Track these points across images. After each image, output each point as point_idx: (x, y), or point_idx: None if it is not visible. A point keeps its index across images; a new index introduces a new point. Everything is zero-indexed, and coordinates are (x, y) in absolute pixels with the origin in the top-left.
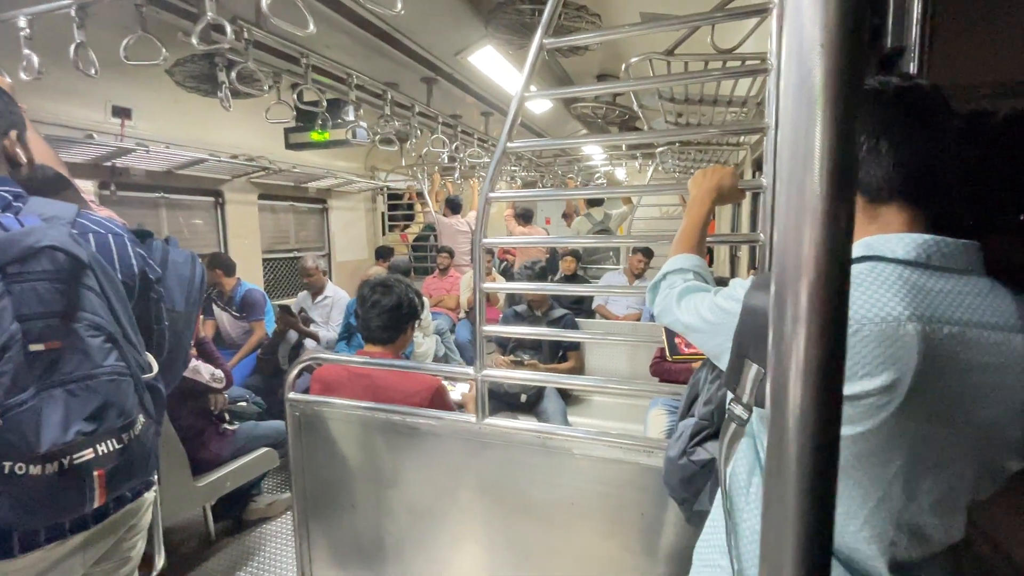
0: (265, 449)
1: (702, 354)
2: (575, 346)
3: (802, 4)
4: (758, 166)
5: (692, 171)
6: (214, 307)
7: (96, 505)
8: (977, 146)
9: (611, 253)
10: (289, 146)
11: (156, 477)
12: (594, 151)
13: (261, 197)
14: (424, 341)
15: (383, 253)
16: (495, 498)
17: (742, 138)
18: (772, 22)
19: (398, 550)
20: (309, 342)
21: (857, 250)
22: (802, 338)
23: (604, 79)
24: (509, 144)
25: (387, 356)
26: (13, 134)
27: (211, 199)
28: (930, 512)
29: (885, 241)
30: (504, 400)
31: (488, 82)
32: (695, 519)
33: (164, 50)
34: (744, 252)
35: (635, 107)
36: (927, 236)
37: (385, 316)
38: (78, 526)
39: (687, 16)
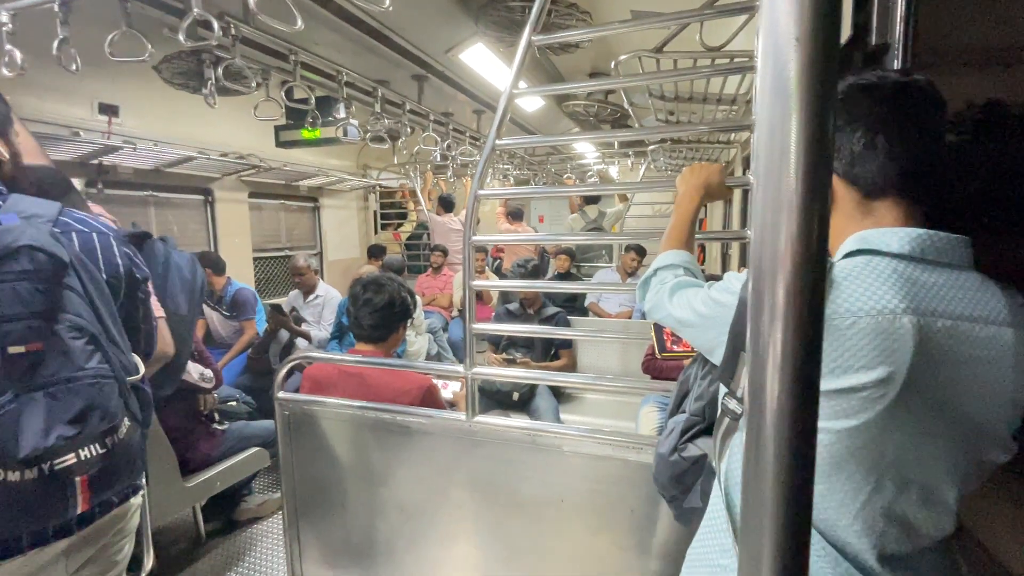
0: (255, 449)
1: (692, 351)
2: (567, 344)
3: None
4: (748, 164)
5: (683, 169)
6: (204, 306)
7: (79, 511)
8: (968, 142)
9: (604, 251)
10: (279, 144)
11: (144, 480)
12: (586, 149)
13: (251, 195)
14: (416, 340)
15: (375, 252)
16: (486, 496)
17: (732, 136)
18: (760, 20)
19: (389, 549)
20: (301, 341)
21: (852, 244)
22: (779, 331)
23: (596, 77)
24: (498, 141)
25: (378, 355)
26: None
27: (201, 197)
28: (921, 505)
29: (880, 235)
30: (496, 398)
31: (479, 80)
32: (684, 516)
33: (150, 46)
34: (735, 250)
35: (626, 105)
36: (921, 230)
37: (377, 315)
38: (62, 531)
39: (676, 13)
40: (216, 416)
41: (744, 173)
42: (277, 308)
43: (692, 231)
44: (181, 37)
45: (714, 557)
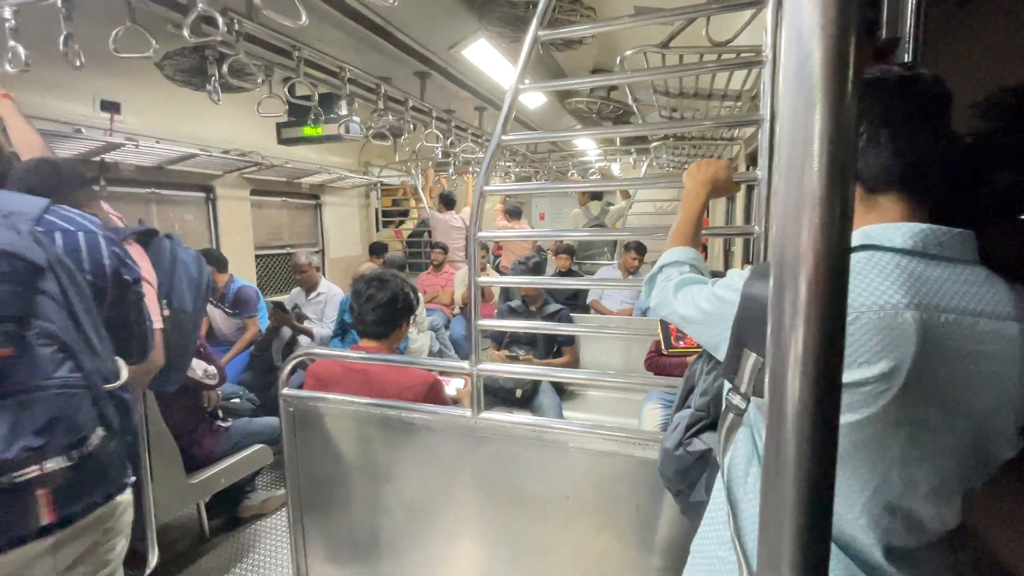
0: (259, 446)
1: (697, 347)
2: (570, 341)
3: None
4: (752, 160)
5: (686, 166)
6: (207, 303)
7: (44, 523)
8: (978, 137)
9: (605, 248)
10: (281, 141)
11: (130, 478)
12: (588, 146)
13: (253, 193)
14: (419, 337)
15: (377, 249)
16: (490, 492)
17: (736, 132)
18: (767, 14)
19: (393, 545)
20: (303, 339)
21: (855, 239)
22: (801, 327)
23: (598, 74)
24: (504, 137)
25: (381, 351)
26: None
27: (202, 195)
28: (926, 499)
29: (883, 230)
30: (499, 395)
31: (482, 76)
32: (690, 511)
33: (154, 42)
34: (738, 246)
35: (629, 101)
36: (924, 225)
37: (379, 311)
38: (43, 530)
39: (682, 8)
40: (220, 413)
41: (748, 169)
42: (279, 306)
43: (699, 228)
44: (185, 33)
45: (713, 549)
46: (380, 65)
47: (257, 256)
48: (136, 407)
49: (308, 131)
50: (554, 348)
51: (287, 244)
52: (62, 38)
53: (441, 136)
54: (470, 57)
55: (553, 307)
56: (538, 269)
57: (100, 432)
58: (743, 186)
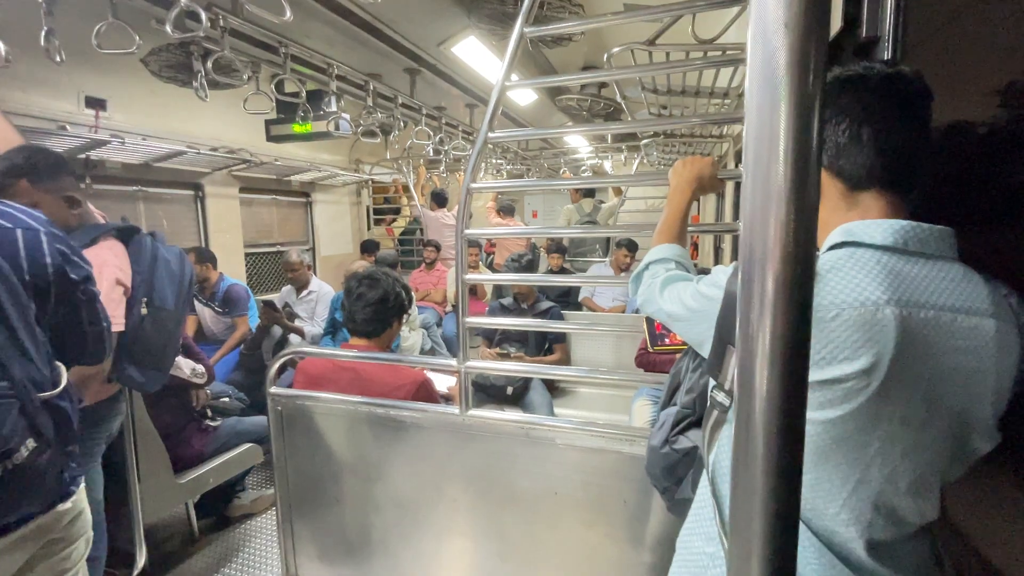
0: (248, 445)
1: (684, 344)
2: (561, 339)
3: None
4: (740, 158)
5: (675, 162)
6: (196, 302)
7: None
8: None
9: (597, 245)
10: (270, 138)
11: (75, 485)
12: (580, 144)
13: (242, 190)
14: (410, 335)
15: (369, 247)
16: (480, 489)
17: (725, 130)
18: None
19: (384, 543)
20: (293, 337)
21: (837, 236)
22: (768, 321)
23: (588, 71)
24: (490, 134)
25: (372, 350)
26: None
27: (191, 192)
28: (906, 494)
29: (865, 227)
30: (490, 393)
31: (472, 73)
32: (677, 508)
33: (137, 38)
34: (728, 243)
35: (619, 99)
36: (904, 222)
37: (370, 309)
38: None
39: (668, 5)
40: (208, 412)
41: (736, 166)
42: (270, 304)
43: (685, 225)
44: (168, 28)
45: (700, 545)
46: (369, 62)
47: (247, 254)
48: (76, 413)
49: (297, 128)
50: (546, 345)
51: (277, 242)
52: (43, 33)
53: (432, 133)
54: (460, 54)
55: (545, 304)
56: (530, 266)
57: (31, 443)
58: (732, 183)
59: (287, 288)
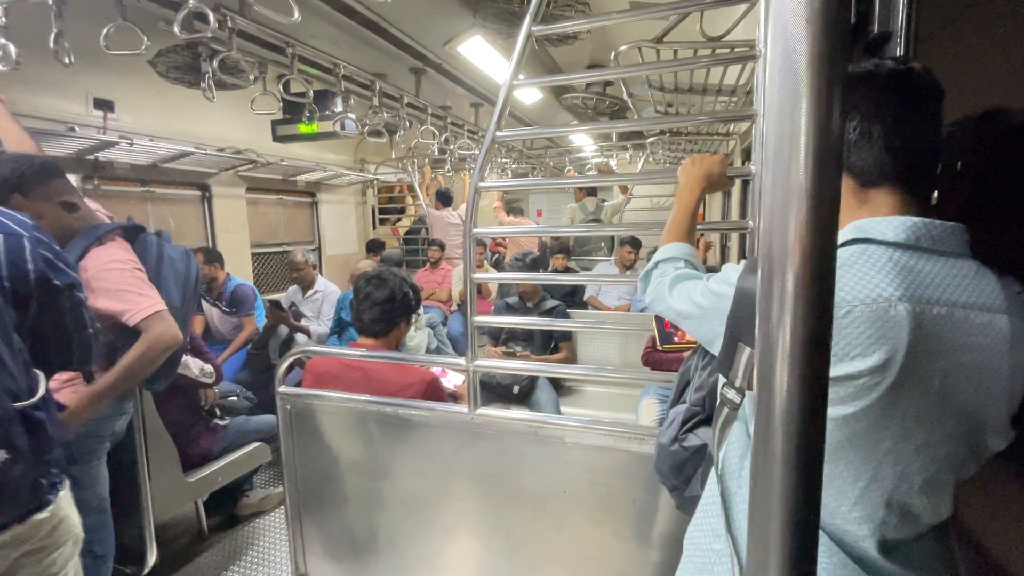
0: (257, 444)
1: (693, 342)
2: (567, 337)
3: None
4: (747, 155)
5: (682, 161)
6: (203, 302)
7: None
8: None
9: (602, 244)
10: (277, 139)
11: (53, 494)
12: (585, 142)
13: (249, 191)
14: (416, 334)
15: (374, 246)
16: (488, 488)
17: (731, 127)
18: (760, 8)
19: (391, 542)
20: (300, 337)
21: (848, 233)
22: (788, 319)
23: (594, 69)
24: (498, 133)
25: (379, 349)
26: None
27: (198, 193)
28: (919, 491)
29: (876, 224)
30: (497, 391)
31: (477, 72)
32: (686, 506)
33: (145, 39)
34: (734, 241)
35: (625, 97)
36: (916, 219)
37: (377, 309)
38: None
39: (676, 2)
40: (217, 411)
41: (744, 164)
42: (276, 304)
43: (693, 223)
44: (176, 30)
45: (707, 542)
46: (375, 62)
47: (253, 254)
48: (53, 422)
49: (303, 128)
50: (551, 344)
51: (283, 242)
52: (52, 36)
53: (437, 133)
54: (465, 53)
55: (550, 303)
56: (536, 265)
57: (2, 455)
58: (738, 181)
59: (293, 288)
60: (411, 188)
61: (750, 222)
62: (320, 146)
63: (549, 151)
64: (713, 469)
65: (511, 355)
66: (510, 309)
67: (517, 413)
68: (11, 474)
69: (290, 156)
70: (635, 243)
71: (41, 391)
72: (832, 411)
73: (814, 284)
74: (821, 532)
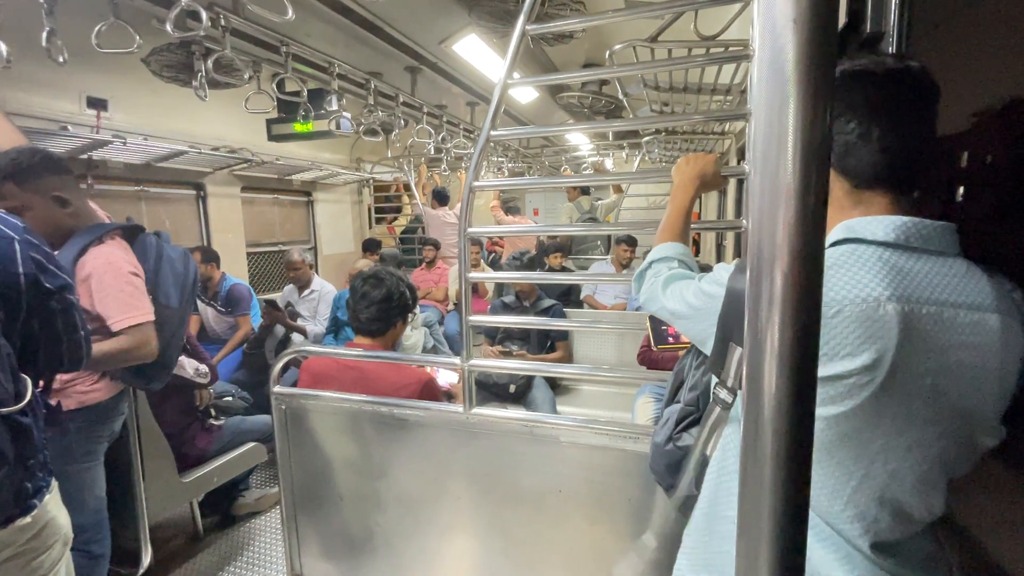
0: (252, 444)
1: (687, 342)
2: (563, 336)
3: None
4: (742, 154)
5: (677, 160)
6: (199, 302)
7: None
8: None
9: (599, 243)
10: (272, 138)
11: (37, 498)
12: (581, 141)
13: (244, 190)
14: (412, 334)
15: (370, 246)
16: (484, 487)
17: (727, 127)
18: (754, 7)
19: (387, 541)
20: (296, 336)
21: (838, 233)
22: (777, 318)
23: (589, 68)
24: (493, 132)
25: (376, 349)
26: None
27: (193, 192)
28: (911, 490)
29: (866, 224)
30: (493, 391)
31: (473, 71)
32: (682, 504)
33: (138, 37)
34: (730, 240)
35: (620, 96)
36: (906, 218)
37: (374, 308)
38: None
39: (671, 2)
40: (212, 411)
41: (739, 163)
42: (272, 303)
43: (687, 223)
44: (169, 28)
45: (718, 545)
46: (370, 60)
47: (249, 254)
48: (39, 427)
49: (298, 127)
50: (548, 343)
51: (279, 241)
52: (44, 34)
53: (433, 132)
54: (461, 52)
55: (547, 302)
56: (533, 265)
57: None
58: (733, 180)
59: (289, 287)
60: (407, 187)
61: (744, 221)
62: (316, 145)
63: (545, 150)
64: (709, 468)
65: (507, 354)
66: (506, 308)
67: (513, 412)
68: None
69: (285, 155)
70: (631, 241)
71: (28, 396)
72: (823, 411)
73: (803, 283)
74: (813, 531)
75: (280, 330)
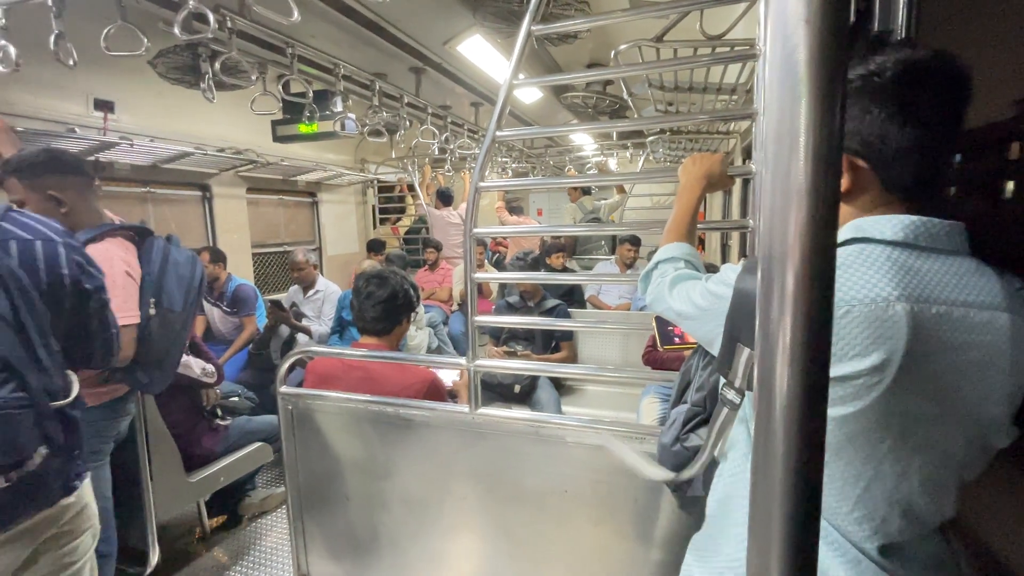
0: (259, 444)
1: (694, 343)
2: (568, 336)
3: None
4: (748, 154)
5: (682, 160)
6: (205, 302)
7: None
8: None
9: (603, 243)
10: (277, 139)
11: (79, 480)
12: (585, 141)
13: (250, 191)
14: (417, 334)
15: (375, 246)
16: (489, 487)
17: (731, 126)
18: (760, 7)
19: (393, 541)
20: (301, 336)
21: (847, 232)
22: (788, 319)
23: (594, 68)
24: (498, 132)
25: (382, 348)
26: None
27: (198, 193)
28: (921, 491)
29: (875, 223)
30: (498, 391)
31: (477, 72)
32: (688, 505)
33: (145, 40)
34: (735, 240)
35: (625, 96)
36: (915, 217)
37: (379, 307)
38: None
39: (676, 1)
40: (219, 411)
41: (744, 163)
42: (277, 304)
43: (694, 223)
44: (176, 31)
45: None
46: (375, 61)
47: (254, 254)
48: (84, 421)
49: (303, 128)
50: (552, 344)
51: (284, 242)
52: (53, 37)
53: (437, 132)
54: (465, 52)
55: (551, 303)
56: (537, 265)
57: (43, 451)
58: (739, 180)
59: (294, 288)
60: (411, 188)
61: (750, 221)
62: (320, 146)
63: (549, 150)
64: (717, 472)
65: (512, 354)
66: (511, 308)
67: (518, 413)
68: (50, 467)
69: (290, 156)
70: (635, 241)
71: (75, 392)
72: (831, 411)
73: (814, 284)
74: (824, 532)
75: (285, 330)
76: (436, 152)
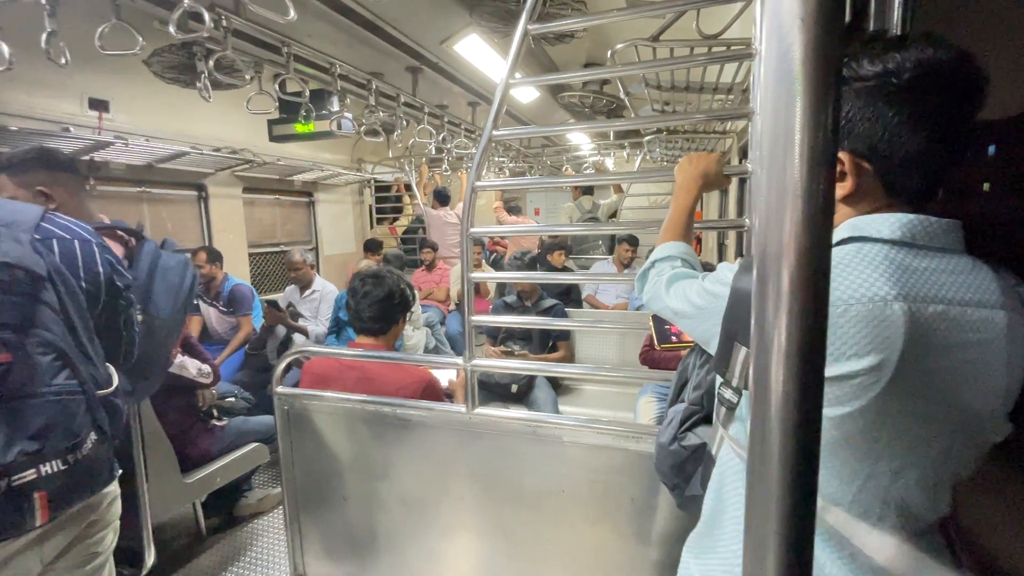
0: (255, 444)
1: (691, 342)
2: (565, 336)
3: None
4: (744, 153)
5: (679, 160)
6: (201, 302)
7: (38, 524)
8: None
9: (600, 242)
10: (273, 138)
11: (117, 470)
12: (582, 141)
13: (246, 191)
14: (414, 334)
15: (372, 246)
16: (486, 487)
17: (728, 125)
18: (756, 6)
19: (390, 541)
20: (298, 337)
21: (844, 231)
22: (784, 318)
23: (590, 67)
24: (495, 132)
25: (379, 348)
26: None
27: (194, 193)
28: (917, 489)
29: (871, 221)
30: (495, 391)
31: (474, 71)
32: (687, 504)
33: (140, 39)
34: (732, 239)
35: (621, 95)
36: (911, 215)
37: (376, 307)
38: None
39: (672, 1)
40: (215, 412)
41: (740, 162)
42: (274, 304)
43: (690, 222)
44: (172, 29)
45: (727, 543)
46: (371, 60)
47: (250, 254)
48: (123, 410)
49: (300, 128)
50: (549, 343)
51: (280, 242)
52: (45, 35)
53: (434, 132)
54: (462, 52)
55: (548, 302)
56: (535, 264)
57: (93, 436)
58: (735, 179)
59: (291, 288)
60: (408, 187)
61: (747, 220)
62: (317, 145)
63: (546, 150)
64: (715, 468)
65: (509, 354)
66: (508, 308)
67: (515, 412)
68: (99, 453)
69: (287, 156)
70: (633, 241)
71: (116, 381)
72: (828, 411)
73: (809, 283)
74: (819, 530)
75: (282, 331)
76: (433, 152)
